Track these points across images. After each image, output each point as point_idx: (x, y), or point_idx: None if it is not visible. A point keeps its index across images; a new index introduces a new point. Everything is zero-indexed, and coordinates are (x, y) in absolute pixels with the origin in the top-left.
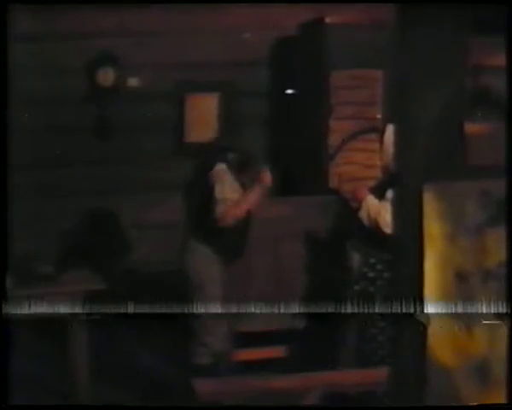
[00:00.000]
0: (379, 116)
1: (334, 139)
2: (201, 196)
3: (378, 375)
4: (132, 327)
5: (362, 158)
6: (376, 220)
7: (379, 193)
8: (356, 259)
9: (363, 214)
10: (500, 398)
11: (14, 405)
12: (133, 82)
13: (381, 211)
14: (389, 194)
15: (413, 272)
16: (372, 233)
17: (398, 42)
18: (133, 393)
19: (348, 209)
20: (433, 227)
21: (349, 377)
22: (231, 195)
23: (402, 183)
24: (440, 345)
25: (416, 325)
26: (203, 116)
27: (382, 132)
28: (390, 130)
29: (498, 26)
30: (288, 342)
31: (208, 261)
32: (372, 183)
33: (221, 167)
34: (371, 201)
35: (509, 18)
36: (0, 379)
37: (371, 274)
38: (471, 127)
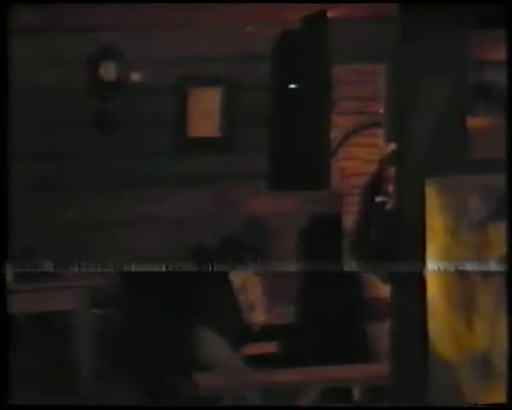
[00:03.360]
0: (381, 111)
1: (335, 134)
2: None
3: (379, 369)
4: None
5: (363, 153)
6: None
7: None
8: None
9: None
10: (501, 392)
11: (14, 405)
12: (135, 76)
13: None
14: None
15: (415, 266)
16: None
17: (401, 36)
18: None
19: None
20: (436, 221)
21: (350, 372)
22: (262, 299)
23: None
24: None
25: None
26: (206, 110)
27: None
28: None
29: (499, 20)
30: (288, 337)
31: None
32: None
33: (251, 272)
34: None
35: (509, 11)
36: (1, 374)
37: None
38: (473, 121)
